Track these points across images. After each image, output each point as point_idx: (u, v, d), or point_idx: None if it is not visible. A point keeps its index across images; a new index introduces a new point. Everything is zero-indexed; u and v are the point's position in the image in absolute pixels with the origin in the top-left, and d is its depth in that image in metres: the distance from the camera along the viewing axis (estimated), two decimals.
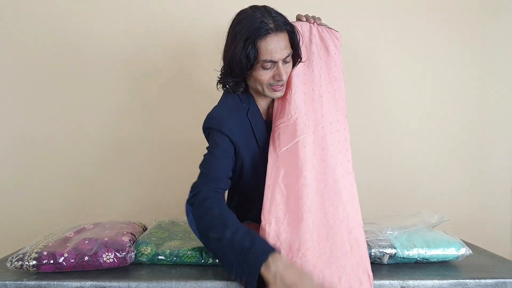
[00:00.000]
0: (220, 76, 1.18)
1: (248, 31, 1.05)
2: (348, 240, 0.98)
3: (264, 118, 1.23)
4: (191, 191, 1.05)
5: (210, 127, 1.14)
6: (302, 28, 1.26)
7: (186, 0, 1.73)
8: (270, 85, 1.13)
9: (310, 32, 1.27)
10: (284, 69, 1.11)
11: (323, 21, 1.33)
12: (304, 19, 1.28)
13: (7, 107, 1.75)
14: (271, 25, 1.05)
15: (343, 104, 1.22)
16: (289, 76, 1.20)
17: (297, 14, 1.30)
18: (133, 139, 1.78)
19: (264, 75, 1.10)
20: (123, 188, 1.78)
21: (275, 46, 1.06)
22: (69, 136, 1.76)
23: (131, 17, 1.74)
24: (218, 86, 1.20)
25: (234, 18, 1.11)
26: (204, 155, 1.13)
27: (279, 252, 0.92)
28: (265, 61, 1.07)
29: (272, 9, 1.11)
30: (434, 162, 1.81)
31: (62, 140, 1.76)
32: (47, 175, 1.76)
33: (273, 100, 1.25)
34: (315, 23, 1.28)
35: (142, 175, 1.79)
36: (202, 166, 1.10)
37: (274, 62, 1.08)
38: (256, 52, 1.06)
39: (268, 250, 0.90)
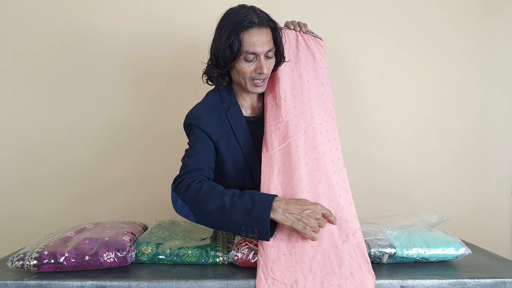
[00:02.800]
0: (205, 69, 1.23)
1: (232, 23, 1.12)
2: (344, 230, 1.02)
3: (248, 114, 1.29)
4: (173, 183, 1.09)
5: (190, 123, 1.21)
6: (289, 36, 1.34)
7: (190, 1, 1.74)
8: (252, 79, 1.18)
9: (297, 40, 1.35)
10: (266, 64, 1.16)
11: (311, 28, 1.39)
12: (292, 27, 1.36)
13: (7, 107, 1.75)
14: (255, 20, 1.12)
15: (331, 107, 1.28)
16: (278, 82, 1.27)
17: (285, 21, 1.37)
18: (134, 139, 1.78)
19: (246, 68, 1.16)
20: (123, 188, 1.79)
21: (257, 39, 1.12)
22: (70, 135, 1.77)
23: (135, 16, 1.74)
24: (204, 78, 1.24)
25: (222, 14, 1.18)
26: (186, 150, 1.18)
27: (278, 197, 1.01)
28: (248, 52, 1.13)
29: (259, 8, 1.18)
30: (434, 162, 1.82)
31: (62, 140, 1.77)
32: (48, 174, 1.77)
33: (259, 96, 1.31)
34: (301, 31, 1.36)
35: (143, 175, 1.79)
36: (183, 158, 1.15)
37: (257, 55, 1.14)
38: (239, 43, 1.12)
39: (269, 198, 1.00)
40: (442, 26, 1.78)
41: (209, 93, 1.29)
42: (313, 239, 0.98)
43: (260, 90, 1.21)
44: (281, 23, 1.36)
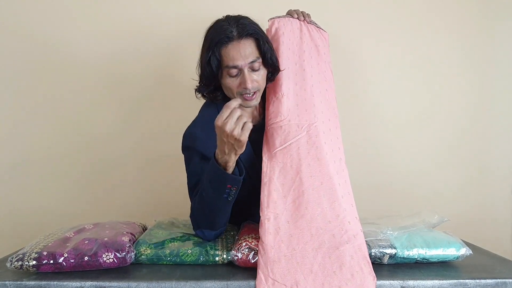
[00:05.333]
0: (197, 86, 1.20)
1: (211, 39, 1.09)
2: (346, 232, 1.01)
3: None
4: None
5: (186, 145, 1.17)
6: (293, 26, 1.28)
7: (172, 3, 1.73)
8: (240, 94, 1.13)
9: (301, 30, 1.29)
10: (252, 77, 1.11)
11: (312, 19, 1.34)
12: (296, 16, 1.30)
13: (6, 108, 1.75)
14: (234, 33, 1.07)
15: (334, 103, 1.24)
16: (281, 76, 1.21)
17: (288, 9, 1.32)
18: (133, 138, 1.78)
19: (231, 83, 1.12)
20: (123, 188, 1.78)
21: (237, 52, 1.07)
22: (69, 136, 1.76)
23: (116, 19, 1.74)
24: (197, 95, 1.21)
25: (208, 28, 1.14)
26: (187, 175, 1.16)
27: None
28: (228, 67, 1.09)
29: (245, 18, 1.12)
30: (434, 161, 1.82)
31: (62, 140, 1.76)
32: (47, 175, 1.76)
33: (259, 103, 1.26)
34: (304, 21, 1.30)
35: (142, 175, 1.79)
36: (188, 186, 1.15)
37: (239, 69, 1.09)
38: (218, 59, 1.08)
39: (211, 162, 1.02)
40: (444, 24, 1.77)
41: (205, 106, 1.25)
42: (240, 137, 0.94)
43: (252, 103, 1.16)
44: (283, 13, 1.33)
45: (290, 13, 1.32)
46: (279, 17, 1.30)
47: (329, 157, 1.13)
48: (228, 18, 1.13)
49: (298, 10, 1.32)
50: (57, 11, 1.73)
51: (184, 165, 1.19)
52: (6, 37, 1.73)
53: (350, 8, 1.76)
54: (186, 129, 1.20)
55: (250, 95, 1.13)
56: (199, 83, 1.19)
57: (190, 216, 1.13)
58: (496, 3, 1.77)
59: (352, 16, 1.76)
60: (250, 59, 1.09)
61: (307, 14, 1.33)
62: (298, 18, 1.30)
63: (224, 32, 1.07)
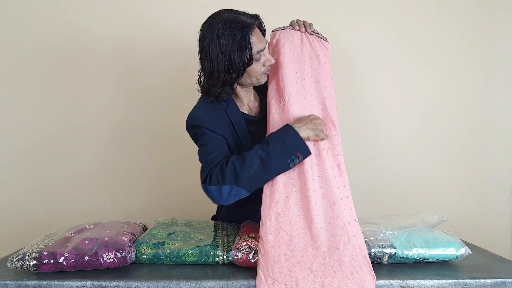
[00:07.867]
0: (207, 89, 1.19)
1: (237, 35, 1.10)
2: (346, 232, 1.03)
3: (246, 112, 1.28)
4: (204, 182, 1.10)
5: (192, 124, 1.20)
6: (294, 37, 1.31)
7: (187, 4, 1.74)
8: (263, 72, 1.20)
9: (301, 42, 1.32)
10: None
11: (314, 27, 1.35)
12: (297, 27, 1.32)
13: (6, 108, 1.75)
14: (248, 20, 1.13)
15: (334, 112, 1.26)
16: (282, 84, 1.24)
17: (291, 20, 1.34)
18: (134, 139, 1.78)
19: (258, 66, 1.17)
20: (123, 188, 1.79)
21: (258, 36, 1.16)
22: (70, 136, 1.77)
23: (128, 14, 1.74)
24: (212, 99, 1.20)
25: (207, 34, 1.12)
26: (199, 151, 1.18)
27: (289, 124, 1.15)
28: (258, 52, 1.15)
29: (233, 9, 1.17)
30: (434, 162, 1.82)
31: (62, 140, 1.77)
32: (47, 175, 1.77)
33: (254, 95, 1.31)
34: (306, 31, 1.32)
35: (142, 175, 1.79)
36: (201, 158, 1.16)
37: (262, 51, 1.16)
38: (251, 53, 1.12)
39: (288, 128, 1.14)
40: (443, 27, 1.77)
41: (206, 95, 1.25)
42: (324, 138, 1.16)
43: (266, 78, 1.25)
44: (286, 23, 1.34)
45: (292, 24, 1.33)
46: (281, 28, 1.32)
47: (328, 163, 1.15)
48: (223, 14, 1.13)
49: (300, 21, 1.33)
50: (76, 7, 1.74)
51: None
52: (9, 41, 1.74)
53: (350, 10, 1.76)
54: (190, 112, 1.21)
55: (268, 70, 1.23)
56: (213, 85, 1.16)
57: (221, 171, 1.09)
58: (498, 3, 1.78)
59: (352, 19, 1.76)
60: (265, 40, 1.18)
61: (309, 24, 1.33)
62: (299, 30, 1.32)
63: (243, 23, 1.11)
